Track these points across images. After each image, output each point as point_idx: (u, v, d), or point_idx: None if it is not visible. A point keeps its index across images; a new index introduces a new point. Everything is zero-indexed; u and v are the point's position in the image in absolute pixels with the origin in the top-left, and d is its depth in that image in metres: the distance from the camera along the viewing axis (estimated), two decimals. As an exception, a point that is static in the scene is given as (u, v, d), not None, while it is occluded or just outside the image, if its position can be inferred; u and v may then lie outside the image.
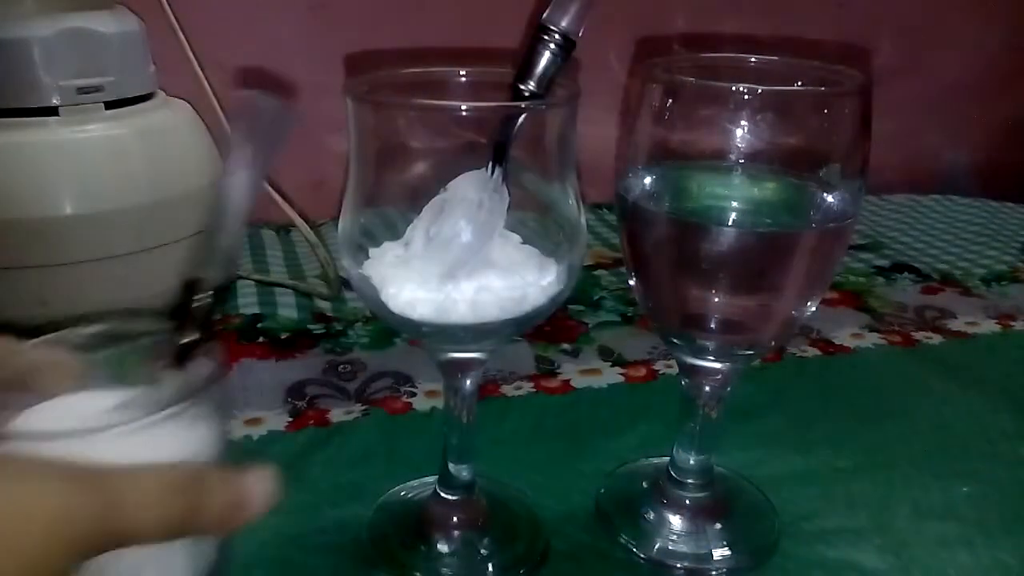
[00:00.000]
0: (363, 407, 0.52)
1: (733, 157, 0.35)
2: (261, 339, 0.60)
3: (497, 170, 0.32)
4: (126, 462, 0.23)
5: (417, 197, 0.33)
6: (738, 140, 0.34)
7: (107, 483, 0.22)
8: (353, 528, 0.42)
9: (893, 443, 0.50)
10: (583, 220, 0.35)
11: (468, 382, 0.38)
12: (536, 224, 0.35)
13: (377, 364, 0.57)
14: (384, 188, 0.35)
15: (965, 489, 0.45)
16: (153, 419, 0.24)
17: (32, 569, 0.21)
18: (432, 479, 0.42)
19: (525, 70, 0.32)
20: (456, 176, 0.33)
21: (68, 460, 0.22)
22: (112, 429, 0.23)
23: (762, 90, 0.33)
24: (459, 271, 0.32)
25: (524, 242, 0.35)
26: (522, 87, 0.32)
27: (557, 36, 0.32)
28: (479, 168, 0.33)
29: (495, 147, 0.32)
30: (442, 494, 0.41)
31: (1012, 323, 0.65)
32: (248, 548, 0.39)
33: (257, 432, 0.48)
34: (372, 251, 0.35)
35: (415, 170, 0.34)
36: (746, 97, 0.33)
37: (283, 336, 0.61)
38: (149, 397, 0.26)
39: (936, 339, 0.62)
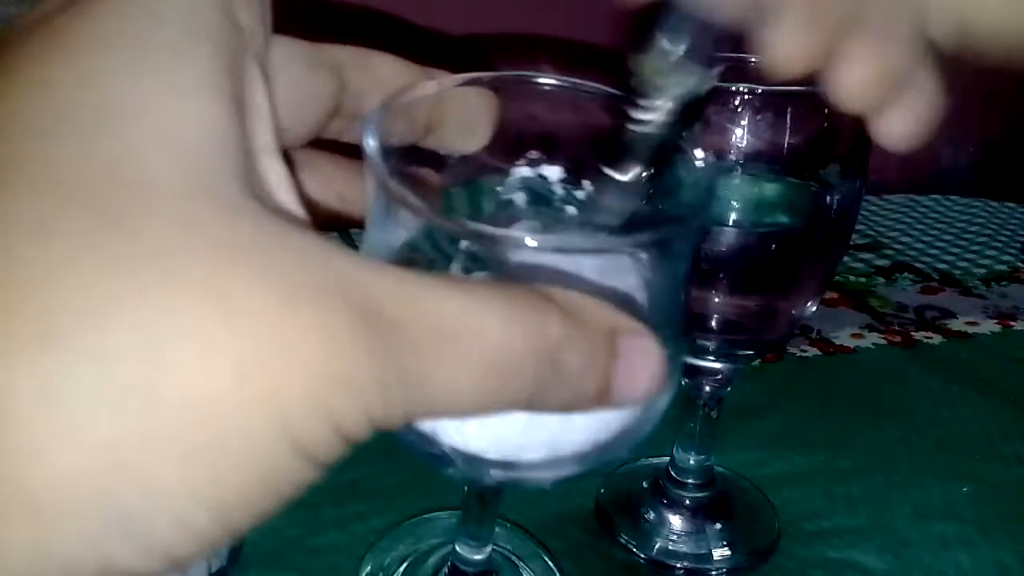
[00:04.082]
0: (363, 407, 0.51)
1: (733, 157, 0.35)
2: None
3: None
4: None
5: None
6: (738, 140, 0.34)
7: (410, 334, 0.14)
8: (353, 528, 0.42)
9: (893, 443, 0.50)
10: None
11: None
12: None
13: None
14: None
15: (965, 489, 0.45)
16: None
17: (275, 456, 0.13)
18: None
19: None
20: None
21: (355, 278, 0.13)
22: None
23: (762, 90, 0.33)
24: None
25: None
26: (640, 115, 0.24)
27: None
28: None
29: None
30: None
31: (1012, 323, 0.65)
32: (247, 548, 0.39)
33: (257, 432, 0.48)
34: None
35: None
36: (746, 97, 0.33)
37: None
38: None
39: (936, 339, 0.62)
